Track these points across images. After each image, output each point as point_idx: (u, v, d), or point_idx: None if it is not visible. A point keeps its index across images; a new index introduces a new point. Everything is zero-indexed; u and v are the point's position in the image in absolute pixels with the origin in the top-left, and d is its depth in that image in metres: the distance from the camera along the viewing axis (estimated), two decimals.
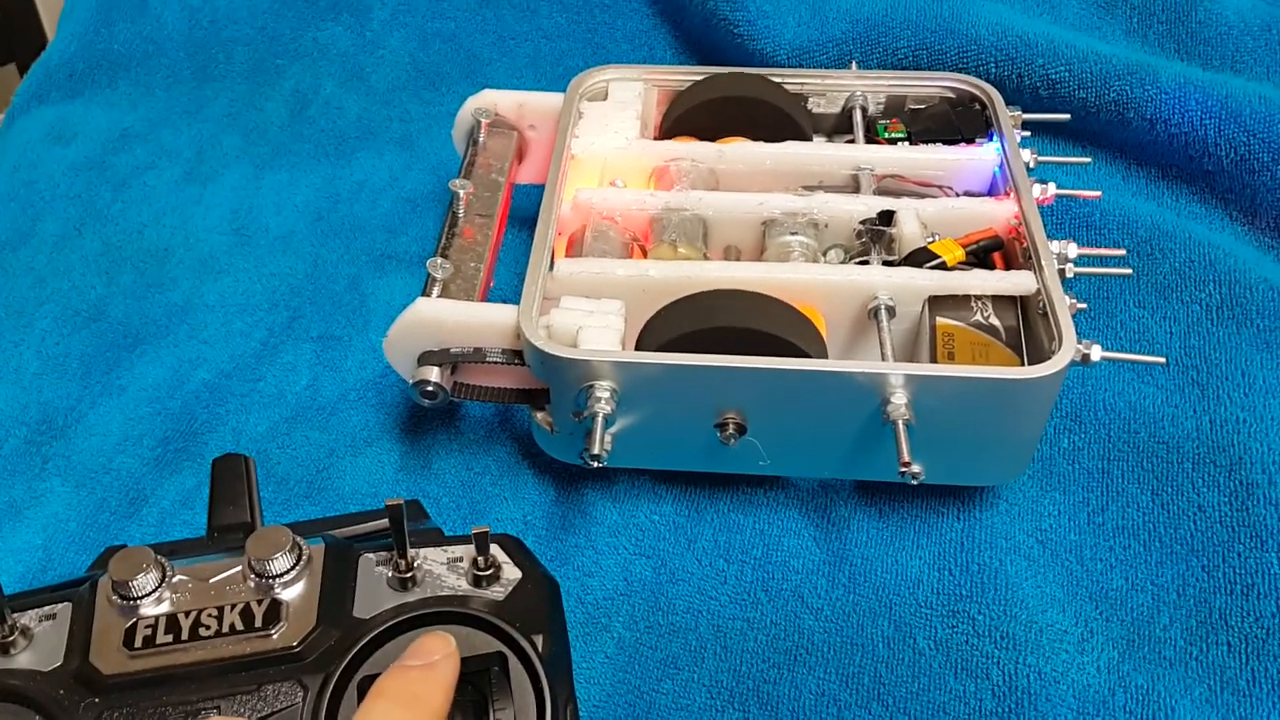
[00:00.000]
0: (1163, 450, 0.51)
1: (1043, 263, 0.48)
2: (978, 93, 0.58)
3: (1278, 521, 0.48)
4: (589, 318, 0.48)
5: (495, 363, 0.47)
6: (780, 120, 0.58)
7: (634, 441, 0.48)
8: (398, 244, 0.65)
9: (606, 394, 0.46)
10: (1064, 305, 0.46)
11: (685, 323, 0.46)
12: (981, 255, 0.52)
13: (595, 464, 0.45)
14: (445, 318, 0.48)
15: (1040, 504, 0.51)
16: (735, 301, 0.47)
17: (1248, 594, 0.47)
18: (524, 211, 0.62)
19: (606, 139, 0.57)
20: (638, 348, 0.48)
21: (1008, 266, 0.52)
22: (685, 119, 0.59)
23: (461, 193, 0.55)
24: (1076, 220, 0.60)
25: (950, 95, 0.59)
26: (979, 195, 0.56)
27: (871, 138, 0.59)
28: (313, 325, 0.60)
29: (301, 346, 0.59)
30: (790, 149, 0.56)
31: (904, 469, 0.44)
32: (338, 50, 0.77)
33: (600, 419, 0.45)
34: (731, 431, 0.47)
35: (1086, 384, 0.54)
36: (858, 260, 0.52)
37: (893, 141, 0.58)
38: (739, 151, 0.56)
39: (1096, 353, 0.46)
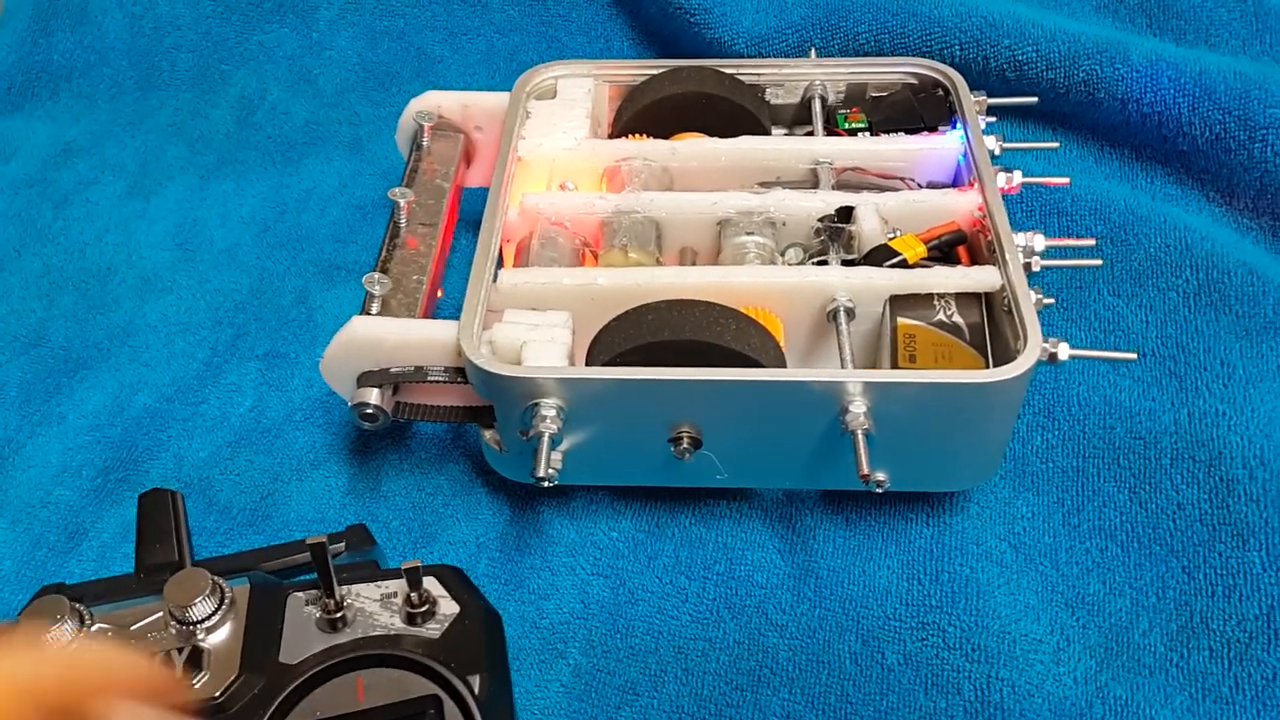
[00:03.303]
0: (1140, 446, 0.49)
1: (1006, 257, 0.46)
2: (940, 78, 0.56)
3: (1259, 519, 0.46)
4: (534, 331, 0.46)
5: (437, 382, 0.45)
6: (736, 114, 0.56)
7: (587, 458, 0.46)
8: (347, 254, 0.63)
9: (553, 412, 0.44)
10: (1029, 302, 0.44)
11: (634, 336, 0.44)
12: (946, 250, 0.50)
13: (545, 484, 0.44)
14: (383, 336, 0.46)
15: (1013, 506, 0.49)
16: (685, 312, 0.44)
17: (1230, 595, 0.45)
18: (477, 216, 0.60)
19: (554, 139, 0.54)
20: (588, 361, 0.46)
21: (973, 261, 0.49)
22: (638, 116, 0.56)
23: (402, 202, 0.53)
24: (1048, 207, 0.57)
25: (913, 81, 0.57)
26: (944, 186, 0.54)
27: (831, 129, 0.56)
28: (258, 343, 0.58)
29: (246, 366, 0.57)
30: (745, 144, 0.54)
31: (864, 480, 0.42)
32: (283, 52, 0.75)
33: (546, 439, 0.43)
34: (686, 446, 0.45)
35: (1059, 379, 0.52)
36: (815, 260, 0.50)
37: (853, 132, 0.56)
38: (692, 148, 0.54)
39: (1064, 351, 0.43)
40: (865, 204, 0.51)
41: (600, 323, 0.46)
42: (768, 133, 0.56)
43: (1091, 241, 0.48)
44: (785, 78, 0.58)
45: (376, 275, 0.49)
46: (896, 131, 0.55)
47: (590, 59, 0.58)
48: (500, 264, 0.50)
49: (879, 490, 0.45)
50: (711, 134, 0.55)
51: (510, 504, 0.51)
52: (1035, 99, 0.55)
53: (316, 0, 0.75)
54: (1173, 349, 0.52)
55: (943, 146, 0.53)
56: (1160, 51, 0.57)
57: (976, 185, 0.50)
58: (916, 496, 0.49)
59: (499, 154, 0.54)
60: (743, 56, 0.65)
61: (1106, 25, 0.62)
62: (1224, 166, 0.57)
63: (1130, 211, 0.56)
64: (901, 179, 0.53)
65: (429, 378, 0.45)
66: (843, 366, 0.46)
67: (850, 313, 0.47)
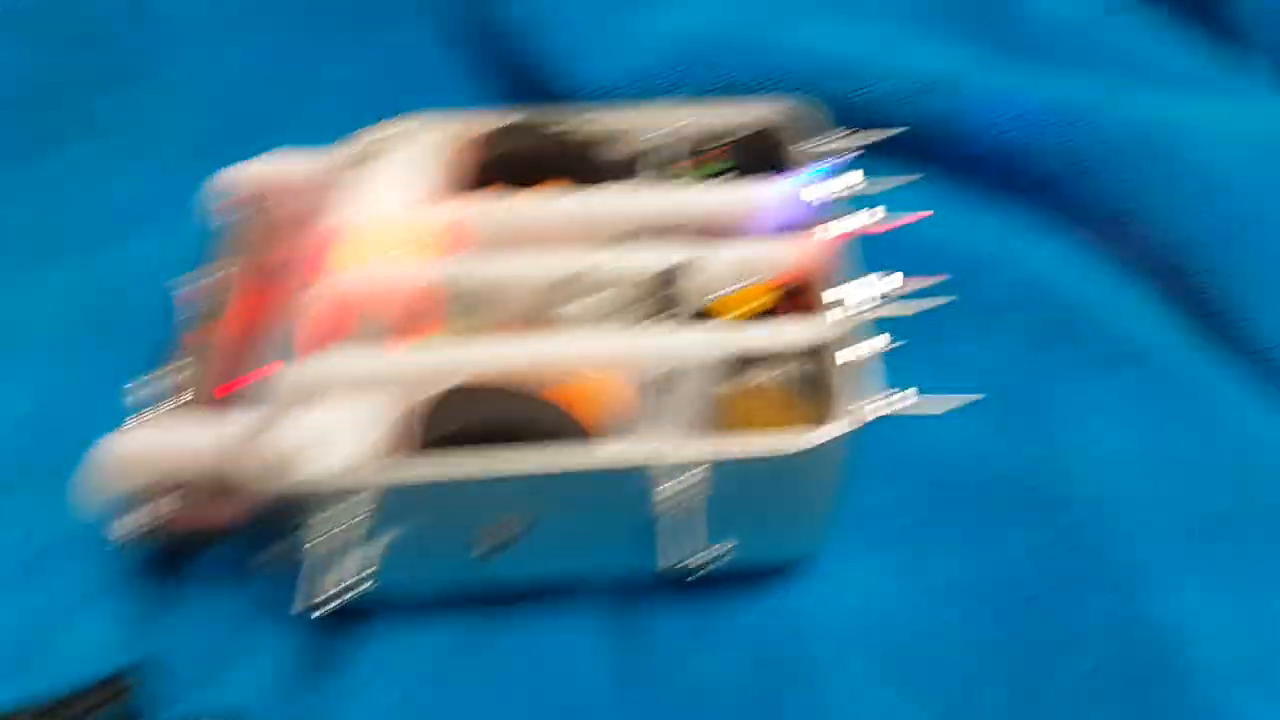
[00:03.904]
0: (980, 495, 0.48)
1: (835, 308, 0.45)
2: (798, 116, 0.55)
3: (1097, 570, 0.45)
4: (325, 430, 0.43)
5: (217, 495, 0.42)
6: (584, 166, 0.54)
7: (389, 568, 0.43)
8: (154, 345, 0.56)
9: (342, 525, 0.41)
10: (855, 357, 0.43)
11: (437, 425, 0.42)
12: (792, 301, 0.49)
13: (337, 606, 0.41)
14: (154, 450, 0.43)
15: (854, 570, 0.47)
16: (480, 398, 0.42)
17: (1074, 647, 0.44)
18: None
19: (378, 205, 0.52)
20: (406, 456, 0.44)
21: (815, 311, 0.49)
22: (485, 173, 0.55)
23: (200, 286, 0.50)
24: (902, 247, 0.56)
25: (772, 121, 0.56)
26: (795, 231, 0.53)
27: (683, 177, 0.55)
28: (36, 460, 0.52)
29: (18, 489, 0.52)
30: (587, 198, 0.52)
31: (672, 568, 0.40)
32: (101, 125, 0.70)
33: (335, 553, 0.41)
34: (493, 545, 0.43)
35: (901, 427, 0.51)
36: (647, 322, 0.49)
37: (705, 179, 0.55)
38: (533, 205, 0.53)
39: (893, 405, 0.43)
40: (701, 257, 0.50)
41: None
42: (618, 183, 0.55)
43: (931, 281, 0.47)
44: (637, 124, 0.56)
45: (158, 374, 0.46)
46: (749, 176, 0.54)
47: (435, 113, 0.56)
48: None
49: (704, 572, 0.43)
50: (560, 188, 0.54)
51: (309, 629, 0.46)
52: (895, 131, 0.54)
53: (142, 67, 0.71)
54: (1014, 390, 0.51)
55: (789, 191, 0.52)
56: (1000, 81, 0.57)
57: (819, 230, 0.49)
58: (755, 571, 0.47)
59: (312, 225, 0.52)
60: (599, 103, 0.64)
61: (953, 56, 0.62)
62: (1070, 197, 0.56)
63: (981, 247, 0.55)
64: (749, 227, 0.53)
65: (206, 493, 0.42)
66: (666, 439, 0.45)
67: (679, 378, 0.46)
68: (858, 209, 0.49)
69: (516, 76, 0.68)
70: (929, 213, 0.50)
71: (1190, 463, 0.48)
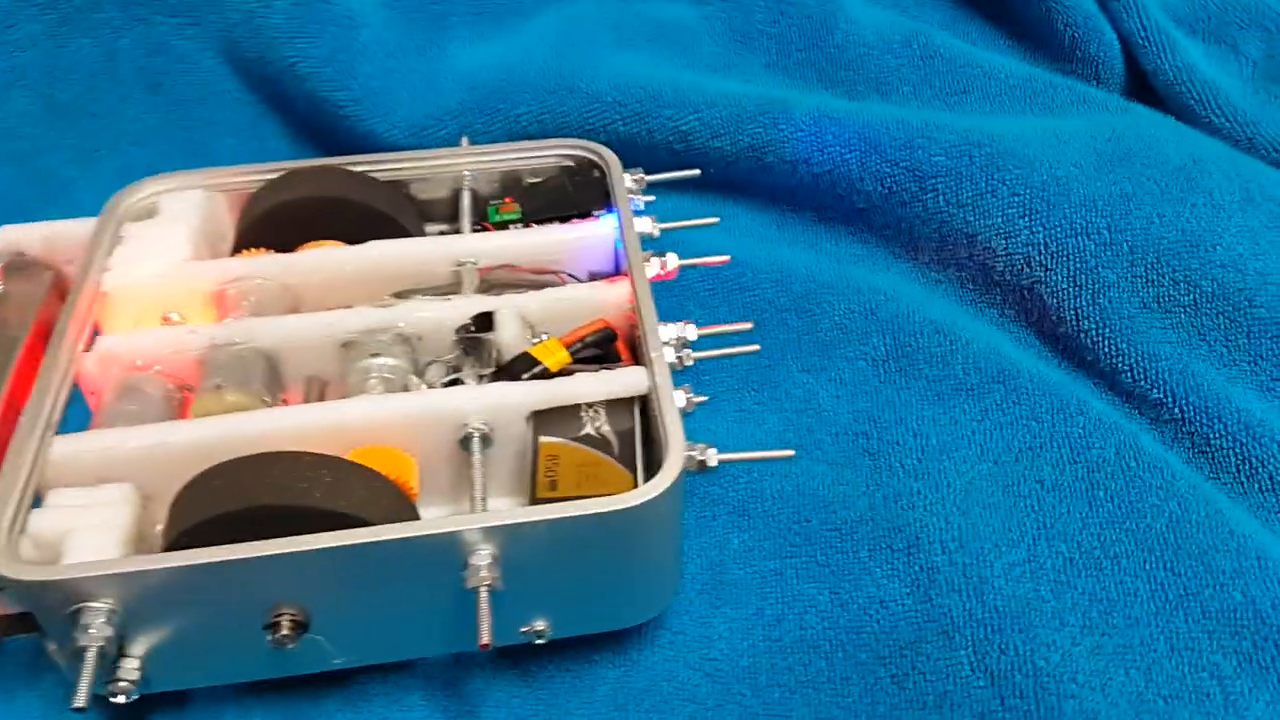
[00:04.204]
0: (837, 538, 0.44)
1: (651, 355, 0.41)
2: (595, 158, 0.51)
3: (963, 611, 0.41)
4: (82, 515, 0.37)
5: None
6: (369, 217, 0.49)
7: (174, 660, 0.37)
8: None
9: (102, 617, 0.35)
10: (673, 407, 0.39)
11: (200, 508, 0.36)
12: (605, 348, 0.45)
13: (120, 698, 0.36)
14: None
15: (709, 626, 0.43)
16: (263, 470, 0.36)
17: (941, 706, 0.40)
18: None
19: (146, 265, 0.46)
20: (164, 542, 0.37)
21: (635, 357, 0.44)
22: (255, 228, 0.49)
23: None
24: (728, 284, 0.53)
25: (569, 164, 0.52)
26: (606, 276, 0.48)
27: (482, 223, 0.50)
28: None
29: None
30: (375, 250, 0.47)
31: (484, 649, 0.34)
32: None
33: (93, 652, 0.34)
34: (286, 632, 0.36)
35: (753, 470, 0.47)
36: (449, 379, 0.43)
37: (504, 225, 0.50)
38: (311, 260, 0.47)
39: (713, 458, 0.38)
40: (506, 307, 0.44)
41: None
42: (409, 234, 0.50)
43: (748, 325, 0.43)
44: (430, 170, 0.52)
45: None
46: (551, 220, 0.50)
47: (200, 171, 0.50)
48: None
49: (539, 642, 0.39)
50: (346, 241, 0.49)
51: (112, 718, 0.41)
52: (697, 172, 0.51)
53: None
54: (865, 424, 0.48)
55: (595, 234, 0.48)
56: (823, 107, 0.54)
57: (633, 272, 0.45)
58: (602, 634, 0.42)
59: (70, 291, 0.45)
60: (402, 148, 0.59)
61: (776, 83, 0.59)
62: (902, 220, 0.54)
63: (812, 279, 0.52)
64: (556, 273, 0.48)
65: None
66: (473, 506, 0.39)
67: (486, 439, 0.41)
68: (659, 252, 0.46)
69: (306, 125, 0.63)
70: (726, 258, 0.47)
71: (1063, 490, 0.45)
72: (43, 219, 0.51)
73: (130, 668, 0.36)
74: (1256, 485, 0.44)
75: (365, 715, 0.41)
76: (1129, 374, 0.48)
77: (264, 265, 0.46)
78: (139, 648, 0.37)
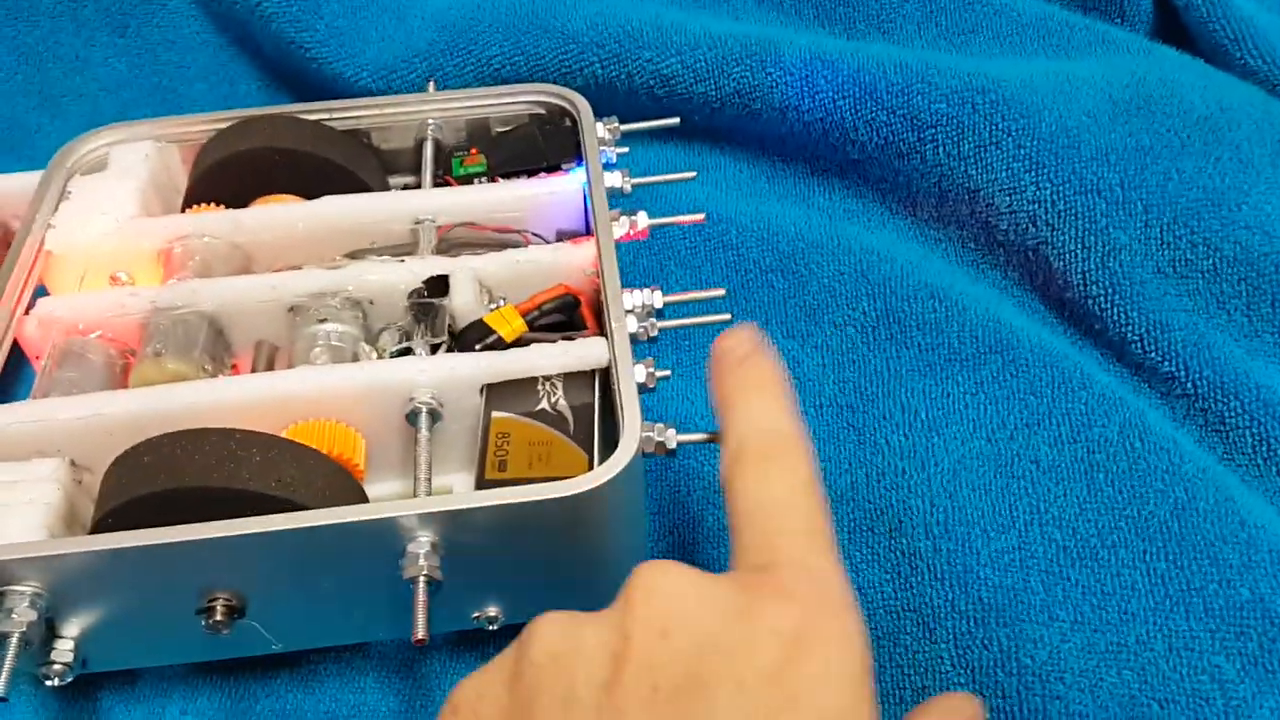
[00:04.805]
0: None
1: (613, 325, 0.38)
2: (566, 105, 0.47)
3: (944, 602, 0.38)
4: (8, 492, 0.35)
5: None
6: (324, 169, 0.46)
7: (112, 640, 0.36)
8: None
9: (25, 601, 0.33)
10: (631, 384, 0.36)
11: (127, 487, 0.34)
12: (568, 315, 0.42)
13: (54, 681, 0.35)
14: None
15: None
16: (190, 447, 0.34)
17: (918, 702, 0.37)
18: None
19: (93, 222, 0.44)
20: (94, 522, 0.35)
21: (600, 326, 0.41)
22: (204, 182, 0.46)
23: None
24: (711, 242, 0.50)
25: (540, 111, 0.48)
26: (575, 236, 0.45)
27: (445, 176, 0.47)
28: None
29: None
30: (327, 205, 0.44)
31: (419, 644, 0.32)
32: None
33: (16, 638, 0.33)
34: (220, 618, 0.35)
35: None
36: (398, 349, 0.40)
37: (468, 178, 0.47)
38: (261, 217, 0.44)
39: (672, 439, 0.35)
40: (461, 270, 0.42)
41: None
42: (369, 188, 0.47)
43: (721, 292, 0.40)
44: (391, 119, 0.48)
45: None
46: (518, 174, 0.46)
47: (148, 120, 0.47)
48: None
49: (492, 628, 0.37)
50: (303, 196, 0.46)
51: (61, 697, 0.40)
52: (676, 120, 0.47)
53: None
54: (850, 395, 0.45)
55: (563, 189, 0.45)
56: (815, 48, 0.50)
57: (600, 231, 0.42)
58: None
59: (11, 249, 0.43)
60: (371, 92, 0.56)
61: (769, 21, 0.55)
62: (899, 173, 0.50)
63: (801, 237, 0.49)
64: (520, 232, 0.45)
65: None
66: (416, 488, 0.37)
67: (435, 414, 0.38)
68: (628, 211, 0.42)
69: (275, 70, 0.59)
70: (702, 216, 0.43)
71: (1061, 471, 0.41)
72: (7, 168, 0.49)
73: (64, 649, 0.35)
74: (1274, 469, 0.41)
75: (317, 695, 0.40)
76: (1139, 344, 0.44)
77: (211, 222, 0.44)
78: (72, 629, 0.35)
